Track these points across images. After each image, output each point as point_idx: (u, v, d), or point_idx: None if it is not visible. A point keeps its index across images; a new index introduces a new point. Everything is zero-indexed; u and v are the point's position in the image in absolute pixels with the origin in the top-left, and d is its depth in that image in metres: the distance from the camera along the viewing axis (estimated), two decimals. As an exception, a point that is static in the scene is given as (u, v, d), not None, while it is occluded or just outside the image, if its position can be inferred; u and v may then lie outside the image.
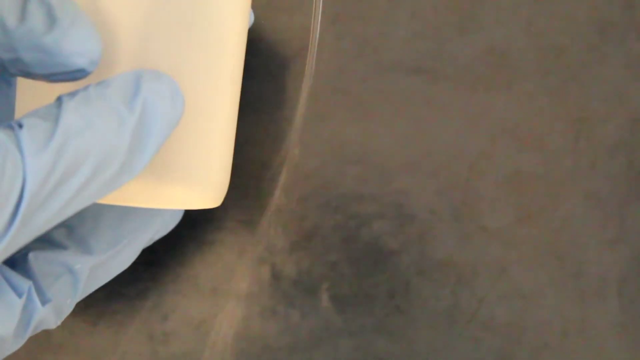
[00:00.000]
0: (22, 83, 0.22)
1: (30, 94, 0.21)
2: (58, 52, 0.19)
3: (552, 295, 0.31)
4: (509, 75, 0.32)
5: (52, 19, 0.18)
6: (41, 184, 0.17)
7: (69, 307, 0.26)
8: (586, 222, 0.32)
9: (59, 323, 0.25)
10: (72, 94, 0.19)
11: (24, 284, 0.23)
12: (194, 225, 0.32)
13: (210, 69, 0.22)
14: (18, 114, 0.22)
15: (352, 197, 0.32)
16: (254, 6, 0.28)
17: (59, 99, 0.18)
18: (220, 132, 0.23)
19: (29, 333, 0.23)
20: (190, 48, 0.21)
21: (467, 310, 0.31)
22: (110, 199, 0.21)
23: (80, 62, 0.19)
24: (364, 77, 0.32)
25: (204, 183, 0.23)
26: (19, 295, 0.22)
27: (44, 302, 0.24)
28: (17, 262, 0.24)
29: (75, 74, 0.19)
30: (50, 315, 0.24)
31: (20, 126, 0.17)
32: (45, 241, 0.25)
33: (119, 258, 0.27)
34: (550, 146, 0.32)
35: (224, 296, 0.31)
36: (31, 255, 0.24)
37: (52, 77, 0.19)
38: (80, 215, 0.26)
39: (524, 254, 0.32)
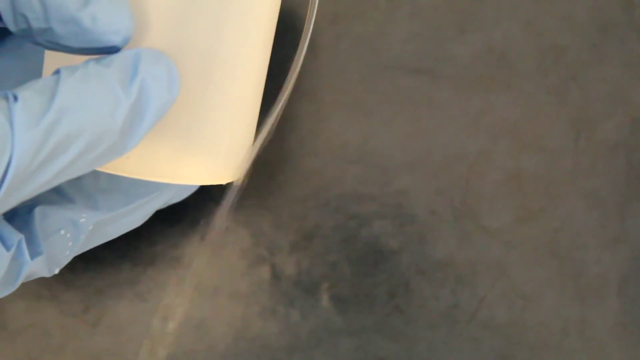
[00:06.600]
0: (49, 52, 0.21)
1: (58, 64, 0.21)
2: (93, 27, 0.18)
3: (552, 295, 0.31)
4: (508, 75, 0.32)
5: None
6: (29, 159, 0.17)
7: (66, 258, 0.25)
8: (586, 222, 0.32)
9: (55, 272, 0.25)
10: (72, 70, 0.18)
11: (14, 237, 0.23)
12: (194, 225, 0.32)
13: (237, 51, 0.22)
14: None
15: (352, 197, 0.32)
16: None
17: (58, 73, 0.18)
18: (241, 108, 0.23)
19: (19, 282, 0.23)
20: (218, 25, 0.21)
21: (467, 310, 0.31)
22: (119, 170, 0.21)
23: (114, 39, 0.19)
24: (363, 77, 0.32)
25: (221, 159, 0.23)
26: (7, 248, 0.22)
27: (34, 254, 0.23)
28: (19, 213, 0.24)
29: (107, 50, 0.19)
30: (42, 267, 0.24)
31: (16, 98, 0.17)
32: (54, 192, 0.25)
33: (130, 217, 0.27)
34: (550, 146, 0.32)
35: (224, 296, 0.31)
36: (37, 210, 0.24)
37: (82, 51, 0.19)
38: (95, 173, 0.25)
39: (524, 254, 0.32)
